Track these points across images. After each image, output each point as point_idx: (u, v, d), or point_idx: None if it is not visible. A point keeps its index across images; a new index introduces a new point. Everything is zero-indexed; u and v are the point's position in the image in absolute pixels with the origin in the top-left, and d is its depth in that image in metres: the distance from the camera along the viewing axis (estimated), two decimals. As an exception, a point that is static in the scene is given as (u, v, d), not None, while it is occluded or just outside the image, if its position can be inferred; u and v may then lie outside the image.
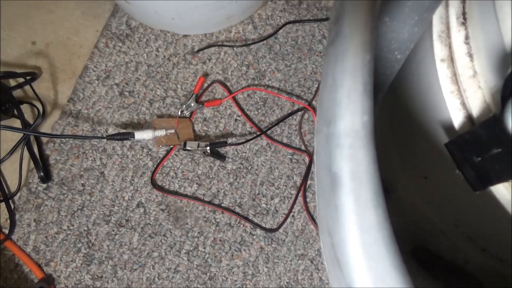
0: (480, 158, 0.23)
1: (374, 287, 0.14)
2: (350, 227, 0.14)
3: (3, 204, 0.60)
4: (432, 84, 0.28)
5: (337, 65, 0.16)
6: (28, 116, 0.64)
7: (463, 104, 0.26)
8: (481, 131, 0.22)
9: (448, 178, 0.32)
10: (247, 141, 0.62)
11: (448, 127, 0.27)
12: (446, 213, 0.36)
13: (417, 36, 0.21)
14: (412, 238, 0.41)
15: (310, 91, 0.66)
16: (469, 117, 0.26)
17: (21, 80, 0.65)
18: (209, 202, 0.61)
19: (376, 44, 0.21)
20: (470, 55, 0.26)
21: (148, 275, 0.59)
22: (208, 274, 0.60)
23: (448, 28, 0.27)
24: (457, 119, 0.27)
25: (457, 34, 0.26)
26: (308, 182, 0.63)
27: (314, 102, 0.65)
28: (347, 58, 0.15)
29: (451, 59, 0.27)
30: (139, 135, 0.59)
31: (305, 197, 0.62)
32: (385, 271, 0.14)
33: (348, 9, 0.16)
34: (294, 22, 0.68)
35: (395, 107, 0.35)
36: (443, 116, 0.28)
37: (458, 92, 0.26)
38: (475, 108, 0.25)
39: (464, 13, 0.26)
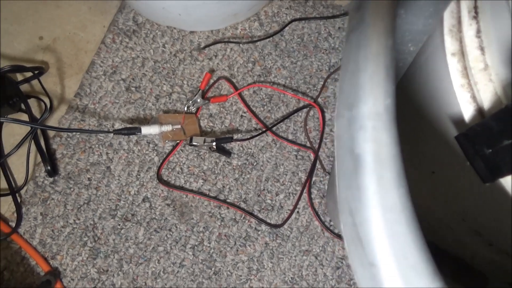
0: (490, 150, 0.23)
1: (397, 264, 0.14)
2: (373, 206, 0.15)
3: (10, 198, 0.61)
4: (442, 78, 0.28)
5: (360, 51, 0.16)
6: (35, 111, 0.64)
7: (474, 97, 0.27)
8: (492, 123, 0.23)
9: (457, 172, 0.32)
10: (253, 137, 0.63)
11: (458, 120, 0.28)
12: (453, 207, 0.36)
13: (431, 28, 0.21)
14: (418, 233, 0.42)
15: (315, 88, 0.66)
16: (480, 110, 0.26)
17: (28, 74, 0.65)
18: (215, 198, 0.62)
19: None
20: (482, 49, 0.26)
21: (153, 269, 0.60)
22: (213, 268, 0.60)
23: (459, 22, 0.27)
24: (468, 112, 0.27)
25: (469, 28, 0.26)
26: (313, 178, 0.63)
27: (319, 99, 0.65)
28: (370, 43, 0.16)
29: (462, 53, 0.27)
30: (146, 130, 0.59)
31: (310, 194, 0.62)
32: (408, 249, 0.14)
33: (369, -3, 0.16)
34: (300, 19, 0.68)
35: (404, 101, 0.35)
36: (453, 109, 0.28)
37: (469, 85, 0.27)
38: (486, 101, 0.26)
39: (476, 7, 0.26)
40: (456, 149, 0.27)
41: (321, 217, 0.62)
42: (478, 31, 0.26)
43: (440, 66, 0.28)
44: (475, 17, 0.26)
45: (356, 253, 0.15)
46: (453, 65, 0.27)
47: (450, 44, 0.27)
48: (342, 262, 0.61)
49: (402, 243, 0.14)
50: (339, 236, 0.61)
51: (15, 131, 0.64)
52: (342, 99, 0.17)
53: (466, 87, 0.27)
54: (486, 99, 0.26)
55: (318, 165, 0.63)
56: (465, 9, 0.27)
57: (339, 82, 0.17)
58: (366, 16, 0.16)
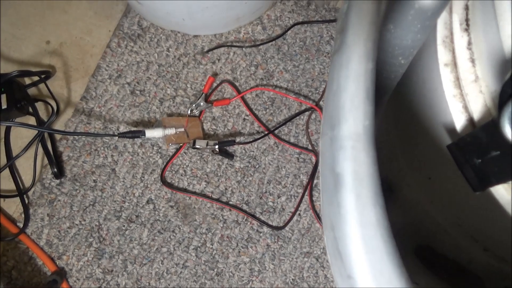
0: (480, 160, 0.24)
1: (373, 278, 0.15)
2: (351, 222, 0.16)
3: (17, 199, 0.62)
4: (436, 88, 0.29)
5: (341, 72, 0.17)
6: (42, 114, 0.66)
7: (465, 108, 0.27)
8: (481, 134, 0.23)
9: (451, 179, 0.33)
10: (255, 140, 0.64)
11: (451, 130, 0.28)
12: (449, 213, 0.37)
13: (420, 43, 0.22)
14: (416, 236, 0.42)
15: (317, 91, 0.66)
16: (471, 120, 0.27)
17: (35, 78, 0.66)
18: (217, 200, 0.63)
19: (381, 50, 0.22)
20: (472, 60, 0.26)
21: (157, 269, 0.61)
22: (215, 270, 0.61)
23: (451, 33, 0.27)
24: (459, 122, 0.27)
25: (460, 40, 0.27)
26: (315, 181, 0.64)
27: (321, 103, 0.66)
28: (351, 66, 0.16)
29: (454, 64, 0.27)
30: (150, 133, 0.60)
31: (311, 196, 0.63)
32: (383, 263, 0.15)
33: (352, 20, 0.17)
34: (302, 23, 0.68)
35: (400, 109, 0.36)
36: (446, 119, 0.28)
37: (461, 96, 0.27)
38: (476, 112, 0.26)
39: (467, 20, 0.27)
40: (449, 157, 0.28)
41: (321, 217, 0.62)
42: (469, 43, 0.27)
43: (434, 76, 0.28)
44: (466, 29, 0.27)
45: (336, 265, 0.16)
46: (446, 75, 0.28)
47: (443, 55, 0.28)
48: (343, 264, 0.62)
49: (378, 258, 0.15)
50: (340, 239, 0.62)
51: (23, 134, 0.66)
52: (326, 118, 0.17)
53: (458, 97, 0.27)
54: (477, 110, 0.26)
55: (319, 168, 0.64)
56: (456, 21, 0.27)
57: (325, 101, 0.18)
58: (348, 38, 0.17)
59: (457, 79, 0.27)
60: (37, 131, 0.62)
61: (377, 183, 0.16)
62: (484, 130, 0.23)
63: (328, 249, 0.17)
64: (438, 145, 0.30)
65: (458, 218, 0.37)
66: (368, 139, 0.16)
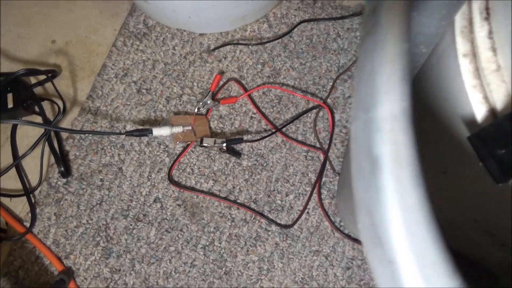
0: (504, 151, 0.23)
1: (416, 262, 0.15)
2: (392, 206, 0.15)
3: (24, 198, 0.62)
4: (454, 79, 0.28)
5: (375, 54, 0.17)
6: (48, 113, 0.65)
7: (486, 98, 0.27)
8: (506, 123, 0.23)
9: (468, 172, 0.32)
10: (263, 138, 0.63)
11: (470, 121, 0.28)
12: (465, 208, 0.36)
13: (443, 30, 0.22)
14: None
15: (324, 89, 0.66)
16: (492, 111, 0.27)
17: (41, 77, 0.66)
18: (225, 198, 0.62)
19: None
20: (494, 50, 0.26)
21: (165, 268, 0.60)
22: (223, 268, 0.61)
23: (470, 23, 0.27)
24: (480, 113, 0.27)
25: (480, 29, 0.27)
26: (323, 179, 0.63)
27: (329, 100, 0.66)
28: (386, 47, 0.16)
29: (474, 54, 0.27)
30: (157, 131, 0.60)
31: (320, 194, 0.63)
32: (427, 247, 0.15)
33: (385, 1, 0.17)
34: (309, 20, 0.68)
35: (416, 102, 0.36)
36: (465, 110, 0.28)
37: (481, 86, 0.27)
38: (499, 102, 0.26)
39: (487, 9, 0.26)
40: (468, 150, 0.27)
41: (331, 217, 0.62)
42: (490, 32, 0.26)
43: (452, 67, 0.28)
44: (487, 18, 0.26)
45: (374, 251, 0.16)
46: (465, 66, 0.27)
47: (461, 46, 0.27)
48: (352, 263, 0.61)
49: (421, 241, 0.15)
50: (349, 237, 0.61)
51: (29, 133, 0.65)
52: (358, 101, 0.17)
53: (478, 88, 0.27)
54: (499, 100, 0.26)
55: (327, 166, 0.64)
56: (476, 10, 0.27)
57: (355, 84, 0.18)
58: (381, 19, 0.17)
59: (477, 69, 0.27)
60: (43, 130, 0.62)
61: (418, 165, 0.15)
62: (508, 119, 0.23)
63: (364, 236, 0.17)
64: (456, 137, 0.30)
65: (474, 213, 0.37)
66: (406, 120, 0.16)
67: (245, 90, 0.66)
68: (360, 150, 0.16)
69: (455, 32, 0.27)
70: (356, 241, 0.61)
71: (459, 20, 0.28)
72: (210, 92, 0.64)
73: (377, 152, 0.16)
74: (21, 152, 0.64)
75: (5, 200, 0.63)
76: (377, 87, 0.16)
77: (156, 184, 0.63)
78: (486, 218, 0.35)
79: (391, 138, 0.16)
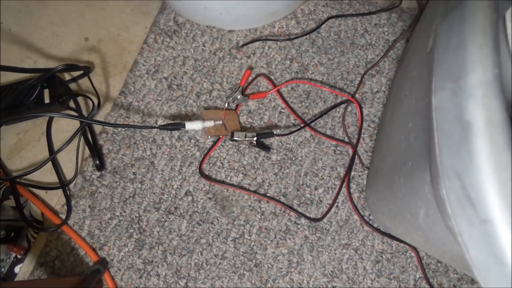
0: None
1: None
2: (486, 167, 0.16)
3: (59, 191, 0.64)
4: (504, 64, 0.28)
5: (465, 25, 0.17)
6: (82, 109, 0.67)
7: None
8: None
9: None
10: (291, 132, 0.64)
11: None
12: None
13: (500, 15, 0.22)
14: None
15: (353, 84, 0.67)
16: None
17: (75, 74, 0.68)
18: (255, 192, 0.63)
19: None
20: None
21: (196, 260, 0.61)
22: (254, 261, 0.61)
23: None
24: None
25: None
26: (352, 173, 0.64)
27: (357, 95, 0.66)
28: (477, 18, 0.17)
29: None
30: (189, 125, 0.61)
31: (349, 188, 0.63)
32: None
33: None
34: (336, 16, 0.69)
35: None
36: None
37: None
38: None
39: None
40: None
41: (360, 211, 0.62)
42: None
43: (502, 53, 0.28)
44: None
45: (463, 214, 0.16)
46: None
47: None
48: (382, 256, 0.61)
49: None
50: (378, 230, 0.61)
51: (63, 128, 0.67)
52: (444, 72, 0.18)
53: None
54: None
55: (356, 160, 0.64)
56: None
57: (437, 58, 0.18)
58: None
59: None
60: (78, 125, 0.63)
61: (510, 129, 0.16)
62: None
63: (451, 200, 0.17)
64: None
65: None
66: (498, 87, 0.16)
67: (274, 85, 0.66)
68: (448, 118, 0.17)
69: (505, 17, 0.28)
70: (386, 234, 0.61)
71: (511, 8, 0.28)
72: (240, 87, 0.65)
73: (470, 118, 0.16)
74: (56, 146, 0.66)
75: (41, 193, 0.65)
76: (468, 56, 0.17)
77: (187, 178, 0.64)
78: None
79: (485, 103, 0.16)
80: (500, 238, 0.15)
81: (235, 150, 0.65)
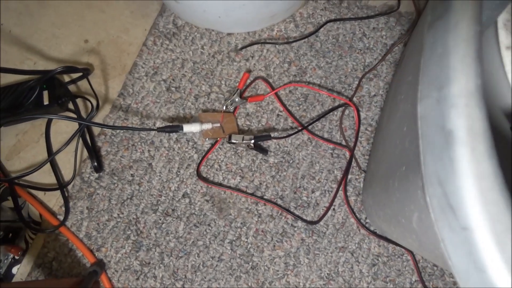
0: (549, 139, 0.24)
1: (491, 227, 0.15)
2: (466, 175, 0.16)
3: (57, 192, 0.64)
4: (495, 71, 0.29)
5: (449, 35, 0.18)
6: (81, 110, 0.68)
7: (529, 89, 0.28)
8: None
9: (506, 165, 0.33)
10: (289, 135, 0.64)
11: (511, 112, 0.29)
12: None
13: (492, 22, 0.22)
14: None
15: (350, 87, 0.67)
16: (536, 101, 0.27)
17: (74, 76, 0.68)
18: (252, 194, 0.63)
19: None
20: (538, 42, 0.27)
21: (193, 262, 0.62)
22: (250, 263, 0.62)
23: (513, 16, 0.28)
24: (523, 104, 0.28)
25: (525, 22, 0.27)
26: (349, 176, 0.64)
27: (355, 99, 0.66)
28: (460, 28, 0.17)
29: (517, 47, 0.28)
30: (187, 127, 0.61)
31: (345, 191, 0.63)
32: (501, 213, 0.15)
33: (456, -13, 0.18)
34: (335, 20, 0.69)
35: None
36: (506, 101, 0.29)
37: (524, 77, 0.28)
38: (543, 92, 0.26)
39: (532, 2, 0.27)
40: (509, 141, 0.28)
41: (357, 214, 0.63)
42: (534, 25, 0.27)
43: (493, 59, 0.29)
44: (532, 11, 0.27)
45: (445, 220, 0.17)
46: (508, 58, 0.28)
47: (504, 38, 0.28)
48: (378, 259, 0.61)
49: (496, 207, 0.15)
50: (374, 234, 0.62)
51: (62, 129, 0.68)
52: (428, 81, 0.18)
53: (521, 79, 0.28)
54: (543, 90, 0.26)
55: (353, 163, 0.64)
56: (521, 3, 0.28)
57: (422, 67, 0.19)
58: (454, 3, 0.18)
59: (520, 61, 0.28)
60: (76, 127, 0.64)
61: (491, 138, 0.16)
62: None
63: (433, 206, 0.18)
64: (496, 129, 0.31)
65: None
66: (480, 97, 0.16)
67: (272, 88, 0.67)
68: (431, 126, 0.17)
69: (497, 25, 0.28)
70: (382, 238, 0.62)
71: (502, 14, 0.28)
72: (238, 90, 0.65)
73: (452, 126, 0.17)
74: (55, 148, 0.66)
75: (40, 194, 0.65)
76: (451, 66, 0.17)
77: (184, 180, 0.64)
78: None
79: (467, 112, 0.16)
80: (479, 245, 0.16)
81: (233, 153, 0.65)
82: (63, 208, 0.63)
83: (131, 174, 0.65)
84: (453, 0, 0.18)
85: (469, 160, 0.16)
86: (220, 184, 0.64)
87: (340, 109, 0.66)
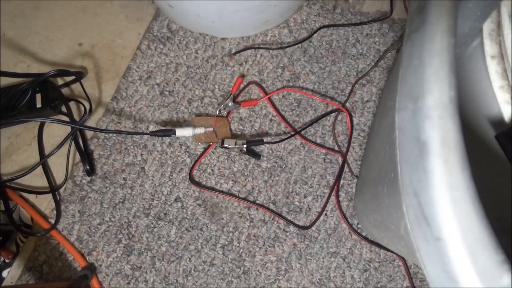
0: (532, 148, 0.24)
1: (463, 237, 0.16)
2: (440, 186, 0.16)
3: (49, 196, 0.64)
4: (481, 80, 0.29)
5: (424, 48, 0.18)
6: (74, 114, 0.68)
7: (514, 98, 0.28)
8: (534, 122, 0.24)
9: (493, 172, 0.33)
10: (282, 140, 0.64)
11: (497, 121, 0.29)
12: (488, 208, 0.37)
13: (475, 32, 0.23)
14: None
15: (343, 93, 0.67)
16: (520, 110, 0.27)
17: (68, 79, 0.68)
18: (244, 199, 0.63)
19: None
20: (522, 52, 0.27)
21: (184, 267, 0.61)
22: (242, 268, 0.61)
23: (498, 26, 0.28)
24: (507, 113, 0.28)
25: (509, 32, 0.28)
26: (341, 181, 0.64)
27: (347, 104, 0.67)
28: (435, 41, 0.17)
29: (501, 56, 0.28)
30: (180, 132, 0.61)
31: (338, 196, 0.63)
32: (473, 224, 0.16)
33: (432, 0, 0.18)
34: (328, 26, 0.70)
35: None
36: (492, 110, 0.29)
37: (508, 87, 0.28)
38: (527, 101, 0.27)
39: (516, 12, 0.28)
40: (494, 149, 0.28)
41: (349, 219, 0.63)
42: (518, 35, 0.27)
43: (479, 69, 0.29)
44: (516, 21, 0.27)
45: (420, 230, 0.17)
46: (493, 67, 0.28)
47: (489, 47, 0.28)
48: (369, 265, 0.62)
49: (468, 218, 0.16)
50: (366, 239, 0.62)
51: (55, 133, 0.67)
52: (405, 92, 0.18)
53: (506, 89, 0.28)
54: (527, 99, 0.27)
55: (346, 169, 0.64)
56: (505, 13, 0.28)
57: (400, 78, 0.19)
58: (430, 16, 0.18)
59: (505, 70, 0.28)
60: (69, 130, 0.64)
61: (464, 150, 0.16)
62: (537, 118, 0.24)
63: (409, 216, 0.18)
64: (480, 137, 0.31)
65: (496, 213, 0.37)
66: (454, 109, 0.17)
67: (266, 93, 0.67)
68: (407, 137, 0.18)
69: (483, 35, 0.29)
70: (374, 243, 0.62)
71: (488, 24, 0.29)
72: (232, 95, 0.65)
73: (426, 138, 0.17)
74: (47, 151, 0.66)
75: (31, 197, 0.65)
76: (426, 78, 0.17)
77: (177, 184, 0.64)
78: (509, 218, 0.35)
79: (440, 124, 0.17)
80: (451, 255, 0.16)
81: (226, 157, 0.65)
82: (55, 212, 0.63)
83: (124, 178, 0.64)
84: (429, 13, 0.18)
85: (442, 171, 0.16)
86: (212, 189, 0.64)
87: (333, 114, 0.66)
